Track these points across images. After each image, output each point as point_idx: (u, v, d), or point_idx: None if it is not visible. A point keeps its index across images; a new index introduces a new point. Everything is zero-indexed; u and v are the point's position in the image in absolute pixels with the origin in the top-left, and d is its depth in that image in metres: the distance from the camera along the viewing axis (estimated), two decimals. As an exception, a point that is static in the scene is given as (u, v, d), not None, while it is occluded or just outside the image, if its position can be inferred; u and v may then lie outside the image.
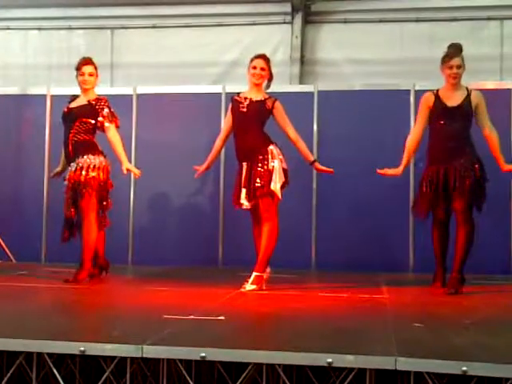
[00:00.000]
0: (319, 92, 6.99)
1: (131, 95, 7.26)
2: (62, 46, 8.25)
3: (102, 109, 5.35)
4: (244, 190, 5.02)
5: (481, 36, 7.52)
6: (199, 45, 8.02)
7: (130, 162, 5.59)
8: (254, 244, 5.17)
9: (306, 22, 7.96)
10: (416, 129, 5.23)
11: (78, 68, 5.41)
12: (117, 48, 8.24)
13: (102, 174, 5.29)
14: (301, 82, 7.81)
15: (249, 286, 4.88)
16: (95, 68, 5.43)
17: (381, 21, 7.76)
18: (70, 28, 8.31)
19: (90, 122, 5.34)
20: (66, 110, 5.47)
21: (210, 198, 7.13)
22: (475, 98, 5.02)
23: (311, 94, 6.99)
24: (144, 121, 7.22)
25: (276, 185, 4.95)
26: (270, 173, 4.94)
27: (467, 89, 5.06)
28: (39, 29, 8.36)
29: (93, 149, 5.34)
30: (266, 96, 5.15)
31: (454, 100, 5.03)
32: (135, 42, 8.18)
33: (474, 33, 7.51)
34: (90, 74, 5.40)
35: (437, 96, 5.08)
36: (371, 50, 7.68)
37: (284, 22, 7.98)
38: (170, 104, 7.22)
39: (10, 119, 7.51)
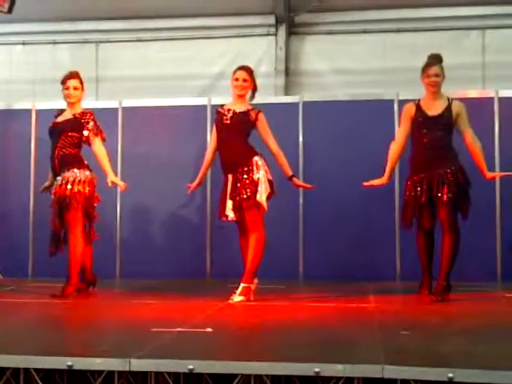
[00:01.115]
0: (304, 103, 7.03)
1: (117, 108, 7.26)
2: (46, 60, 8.24)
3: (88, 122, 5.34)
4: (230, 202, 5.03)
5: (462, 45, 7.61)
6: (184, 57, 8.04)
7: (115, 175, 5.59)
8: (241, 255, 5.18)
9: (290, 33, 8.01)
10: (398, 138, 5.29)
11: (63, 82, 5.41)
12: (102, 62, 8.24)
13: (87, 188, 5.28)
14: (286, 93, 7.85)
15: (237, 298, 4.88)
16: (81, 82, 5.42)
17: (364, 31, 7.84)
18: (54, 42, 8.31)
19: (76, 136, 5.33)
20: (52, 124, 5.47)
21: (197, 210, 7.13)
22: (456, 108, 5.08)
23: (296, 104, 7.03)
24: (130, 134, 7.22)
25: (262, 196, 4.96)
26: (255, 184, 4.95)
27: (448, 98, 5.12)
28: (23, 43, 8.36)
29: (78, 163, 5.33)
30: (250, 107, 5.17)
31: (434, 109, 5.09)
32: (120, 56, 8.19)
33: (456, 42, 7.60)
34: (75, 88, 5.39)
35: (418, 106, 5.14)
36: (355, 61, 7.75)
37: (268, 34, 8.03)
38: (156, 117, 7.23)
39: (-5, 134, 7.49)
